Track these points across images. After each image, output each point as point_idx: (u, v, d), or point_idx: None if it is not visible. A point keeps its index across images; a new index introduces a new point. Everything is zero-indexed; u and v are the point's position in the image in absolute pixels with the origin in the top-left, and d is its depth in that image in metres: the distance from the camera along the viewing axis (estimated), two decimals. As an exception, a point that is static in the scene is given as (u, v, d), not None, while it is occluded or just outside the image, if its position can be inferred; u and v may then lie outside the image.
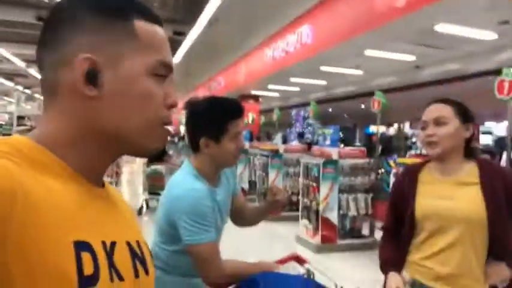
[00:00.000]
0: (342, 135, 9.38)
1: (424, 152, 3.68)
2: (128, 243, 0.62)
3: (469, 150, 1.54)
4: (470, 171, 1.49)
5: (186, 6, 9.51)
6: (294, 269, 1.34)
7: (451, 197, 1.48)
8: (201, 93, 17.36)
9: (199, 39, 10.16)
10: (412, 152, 3.86)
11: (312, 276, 1.48)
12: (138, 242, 0.65)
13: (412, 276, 1.55)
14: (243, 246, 5.13)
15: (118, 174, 9.86)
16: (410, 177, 1.61)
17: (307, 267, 1.50)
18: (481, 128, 14.52)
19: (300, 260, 1.55)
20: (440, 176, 1.54)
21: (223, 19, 8.86)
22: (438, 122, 1.47)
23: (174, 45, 12.05)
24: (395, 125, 15.50)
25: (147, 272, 0.64)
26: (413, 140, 9.80)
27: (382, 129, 14.06)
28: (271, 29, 8.69)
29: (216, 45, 11.51)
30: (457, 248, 1.45)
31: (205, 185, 1.39)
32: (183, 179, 1.38)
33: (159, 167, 6.79)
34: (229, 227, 1.74)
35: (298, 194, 6.08)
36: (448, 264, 1.47)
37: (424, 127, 1.53)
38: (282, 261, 1.47)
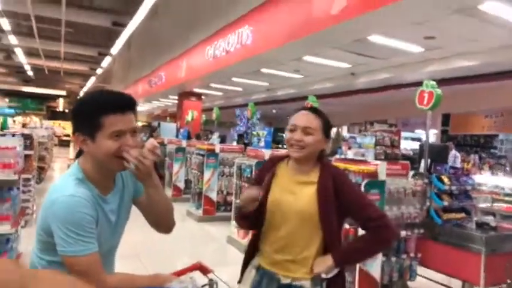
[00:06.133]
0: (284, 136, 9.50)
1: (348, 156, 3.80)
2: None
3: (320, 156, 1.72)
4: (313, 173, 1.68)
5: (126, -4, 9.13)
6: (191, 280, 1.26)
7: (293, 192, 1.66)
8: (142, 87, 16.76)
9: (139, 32, 9.79)
10: (337, 156, 3.95)
11: (215, 287, 1.43)
12: None
13: (258, 260, 1.74)
14: (174, 248, 4.99)
15: (43, 169, 9.21)
16: (270, 167, 1.78)
17: (210, 277, 1.44)
18: (412, 135, 15.61)
19: (203, 270, 1.49)
20: (292, 173, 1.71)
21: (163, 13, 8.61)
22: (306, 131, 1.64)
23: (113, 36, 11.52)
24: (334, 129, 16.08)
25: None
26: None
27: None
28: (212, 27, 8.59)
29: (157, 39, 11.19)
30: (292, 238, 1.63)
31: (91, 190, 1.25)
32: (65, 183, 1.23)
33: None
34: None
35: (232, 195, 6.04)
36: (283, 251, 1.65)
37: (293, 130, 1.67)
38: (181, 273, 1.39)
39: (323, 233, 1.61)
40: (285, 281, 1.64)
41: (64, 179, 1.26)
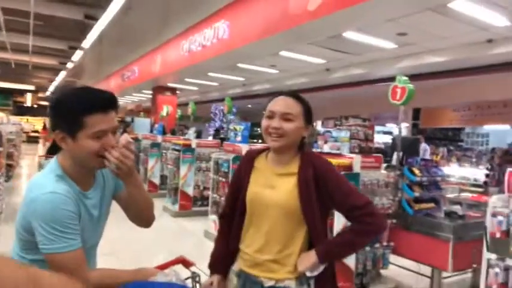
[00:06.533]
0: (260, 132, 9.57)
1: (324, 150, 3.88)
2: None
3: (301, 145, 1.57)
4: (293, 163, 1.53)
5: (98, -12, 8.90)
6: (175, 273, 1.29)
7: (273, 186, 1.52)
8: (114, 81, 16.41)
9: (112, 26, 9.57)
10: (313, 150, 4.02)
11: (197, 279, 1.45)
12: None
13: (239, 265, 1.60)
14: (151, 244, 4.97)
15: (12, 166, 8.93)
16: (248, 162, 1.63)
17: (192, 270, 1.47)
18: (383, 129, 16.01)
19: (186, 263, 1.51)
20: (271, 166, 1.57)
21: (137, 6, 8.46)
22: (286, 117, 1.48)
23: (85, 29, 11.21)
24: (309, 123, 16.24)
25: None
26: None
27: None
28: (188, 21, 8.51)
29: (130, 33, 10.97)
30: (273, 235, 1.50)
31: (72, 187, 1.23)
32: (44, 180, 1.20)
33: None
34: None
35: (209, 189, 6.05)
36: (263, 251, 1.51)
37: (271, 116, 1.51)
38: (164, 266, 1.41)
39: (307, 227, 1.49)
40: (268, 283, 1.49)
41: (43, 176, 1.24)
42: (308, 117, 1.54)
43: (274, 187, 1.52)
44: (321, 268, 1.48)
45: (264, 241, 1.51)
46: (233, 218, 1.62)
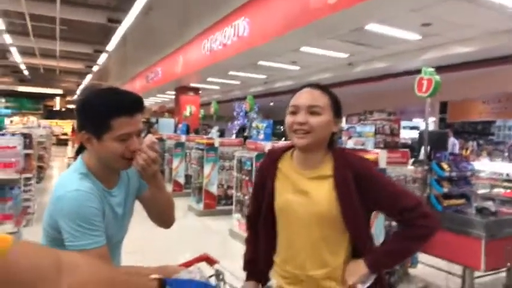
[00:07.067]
0: (282, 129, 9.55)
1: (348, 146, 3.80)
2: None
3: (331, 143, 1.41)
4: (326, 163, 1.37)
5: (120, -8, 9.06)
6: (199, 271, 1.28)
7: (305, 191, 1.36)
8: (139, 83, 16.71)
9: (134, 28, 9.74)
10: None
11: (221, 277, 1.44)
12: None
13: (277, 282, 1.46)
14: (176, 243, 5.02)
15: (42, 168, 9.22)
16: (271, 164, 1.47)
17: (216, 268, 1.46)
18: (409, 124, 15.64)
19: (209, 261, 1.50)
20: (299, 168, 1.40)
21: (158, 8, 8.56)
22: (312, 110, 1.32)
23: (108, 33, 11.45)
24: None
25: None
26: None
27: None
28: (208, 20, 8.55)
29: (153, 35, 11.12)
30: (313, 248, 1.35)
31: (95, 184, 1.26)
32: (69, 179, 1.23)
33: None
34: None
35: (232, 188, 6.06)
36: (306, 266, 1.36)
37: (295, 112, 1.34)
38: (188, 264, 1.40)
39: (350, 235, 1.34)
40: None
41: (68, 174, 1.27)
42: (337, 109, 1.38)
43: (307, 193, 1.35)
44: (372, 279, 1.34)
45: (304, 255, 1.36)
46: (261, 222, 1.51)
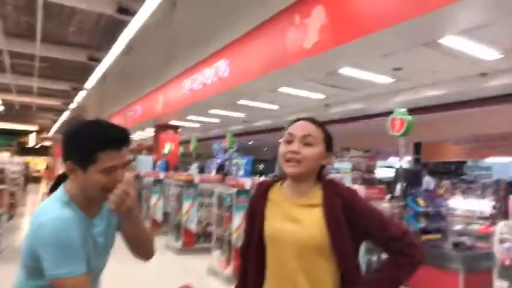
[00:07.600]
0: (262, 167, 9.59)
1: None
2: None
3: (320, 174, 1.46)
4: (315, 193, 1.41)
5: (102, 33, 9.24)
6: None
7: (295, 219, 1.38)
8: (117, 120, 16.62)
9: (115, 66, 9.85)
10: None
11: None
12: None
13: None
14: (153, 281, 4.86)
15: (13, 205, 8.88)
16: (261, 194, 1.50)
17: None
18: (385, 163, 16.01)
19: None
20: (289, 196, 1.44)
21: (139, 48, 8.74)
22: (306, 141, 1.38)
23: (89, 71, 11.52)
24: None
25: None
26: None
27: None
28: (189, 61, 8.76)
29: (133, 74, 11.27)
30: (301, 276, 1.34)
31: (77, 213, 1.24)
32: (50, 206, 1.22)
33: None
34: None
35: (212, 225, 5.99)
36: None
37: (289, 141, 1.39)
38: None
39: (338, 265, 1.34)
40: None
41: (49, 202, 1.25)
42: (329, 144, 1.45)
43: (297, 220, 1.37)
44: None
45: (293, 283, 1.35)
46: (252, 253, 1.49)
